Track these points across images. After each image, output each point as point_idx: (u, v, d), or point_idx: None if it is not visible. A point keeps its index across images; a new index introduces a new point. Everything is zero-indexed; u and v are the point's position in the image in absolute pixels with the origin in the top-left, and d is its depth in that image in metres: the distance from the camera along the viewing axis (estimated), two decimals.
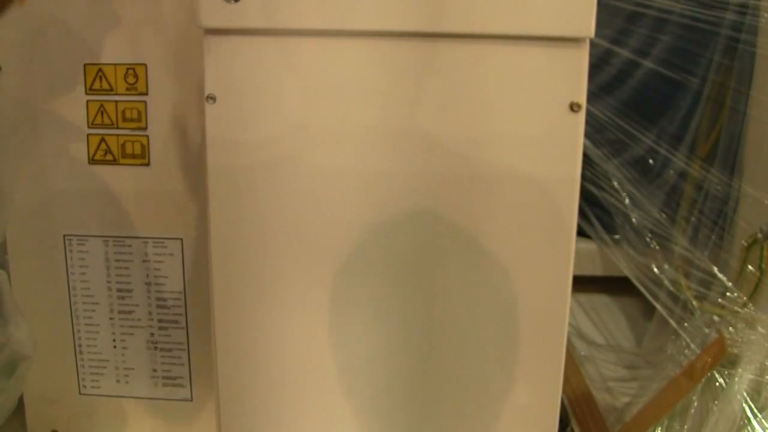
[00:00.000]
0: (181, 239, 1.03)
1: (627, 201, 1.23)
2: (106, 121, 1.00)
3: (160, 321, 1.06)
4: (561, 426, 0.88)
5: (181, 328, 1.06)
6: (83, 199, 1.03)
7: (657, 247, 1.21)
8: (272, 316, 0.85)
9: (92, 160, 1.02)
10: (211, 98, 0.79)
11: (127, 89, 0.99)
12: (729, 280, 1.08)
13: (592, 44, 0.77)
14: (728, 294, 1.06)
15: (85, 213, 1.04)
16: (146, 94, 0.99)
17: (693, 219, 1.19)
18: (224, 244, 0.83)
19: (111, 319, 1.07)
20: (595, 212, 1.30)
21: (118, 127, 1.01)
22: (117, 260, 1.05)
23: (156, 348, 1.07)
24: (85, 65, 0.99)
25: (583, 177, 0.86)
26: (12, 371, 0.72)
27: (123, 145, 1.01)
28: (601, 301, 1.49)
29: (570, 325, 1.00)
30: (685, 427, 1.04)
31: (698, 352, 1.07)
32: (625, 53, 1.24)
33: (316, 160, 0.80)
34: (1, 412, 0.73)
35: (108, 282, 1.06)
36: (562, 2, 0.74)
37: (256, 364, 0.86)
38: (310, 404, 0.87)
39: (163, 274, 1.05)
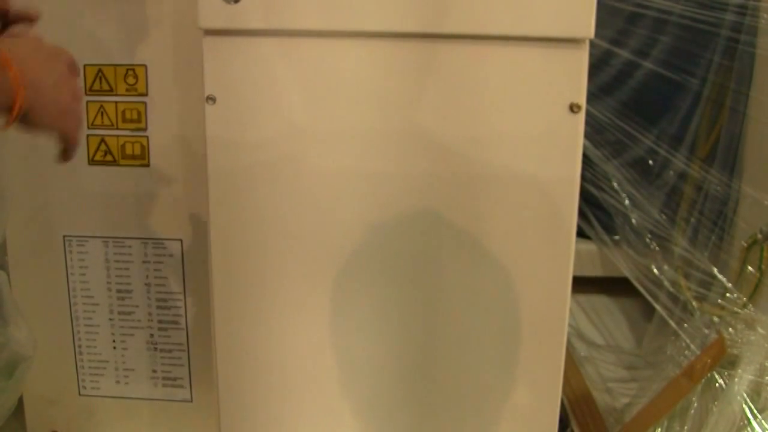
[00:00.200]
0: (181, 240, 1.03)
1: (627, 202, 1.23)
2: (106, 121, 1.00)
3: (159, 322, 1.06)
4: (561, 427, 0.87)
5: (180, 328, 1.06)
6: (83, 200, 1.03)
7: (657, 247, 1.21)
8: (272, 317, 0.85)
9: (92, 161, 1.02)
10: (211, 99, 0.79)
11: (127, 90, 0.99)
12: (729, 280, 1.08)
13: (592, 45, 0.77)
14: (728, 295, 1.06)
15: (85, 214, 1.04)
16: (146, 95, 0.99)
17: (693, 220, 1.18)
18: (224, 245, 0.83)
19: (111, 319, 1.07)
20: (595, 213, 1.30)
21: (117, 128, 1.01)
22: (117, 261, 1.05)
23: (156, 349, 1.07)
24: (84, 66, 0.99)
25: (583, 178, 0.86)
26: (12, 372, 0.72)
27: (123, 146, 1.01)
28: (600, 301, 1.49)
29: (570, 325, 1.00)
30: (685, 427, 1.04)
31: (698, 352, 1.07)
32: (624, 54, 1.24)
33: (316, 161, 0.80)
34: (1, 413, 0.73)
35: (108, 283, 1.06)
36: (562, 3, 0.74)
37: (256, 364, 0.86)
38: (309, 405, 0.87)
39: (162, 275, 1.05)
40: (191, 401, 1.09)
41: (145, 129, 1.00)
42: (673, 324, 1.14)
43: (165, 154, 1.01)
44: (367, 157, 0.80)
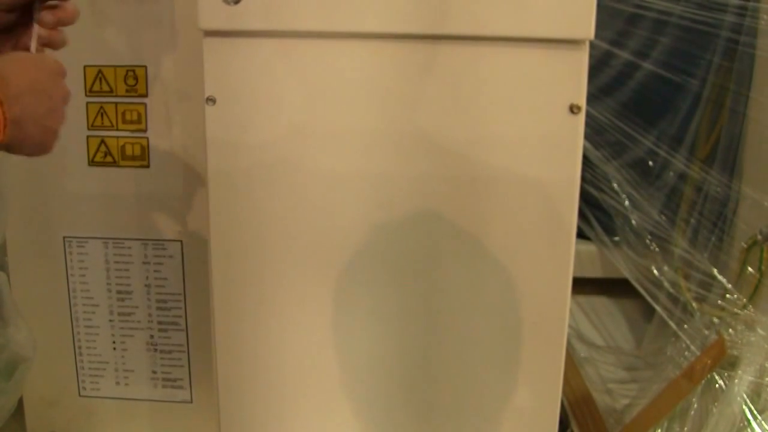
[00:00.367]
0: (181, 241, 1.03)
1: (627, 203, 1.23)
2: (106, 122, 1.00)
3: (159, 323, 1.06)
4: (561, 428, 0.87)
5: (180, 329, 1.06)
6: (83, 201, 1.03)
7: (657, 248, 1.21)
8: (272, 318, 0.85)
9: (92, 162, 1.02)
10: (211, 100, 0.79)
11: (127, 91, 0.99)
12: (729, 281, 1.08)
13: (592, 46, 0.77)
14: (728, 296, 1.06)
15: (85, 215, 1.04)
16: (146, 96, 0.99)
17: (693, 221, 1.19)
18: (224, 246, 0.83)
19: (111, 320, 1.07)
20: (595, 214, 1.30)
21: (118, 129, 1.01)
22: (117, 262, 1.05)
23: (156, 350, 1.07)
24: (84, 67, 0.99)
25: (583, 179, 0.86)
26: (12, 373, 0.72)
27: (123, 147, 1.01)
28: (600, 302, 1.49)
29: (570, 326, 1.00)
30: (685, 428, 1.04)
31: (698, 353, 1.06)
32: (624, 55, 1.24)
33: (316, 163, 0.80)
34: (1, 414, 0.73)
35: (108, 284, 1.06)
36: (562, 4, 0.74)
37: (256, 365, 0.86)
38: (310, 406, 0.87)
39: (162, 276, 1.05)
40: (191, 402, 1.09)
41: (145, 130, 1.00)
42: (673, 325, 1.14)
43: (165, 155, 1.01)
44: (368, 159, 0.80)
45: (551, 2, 0.74)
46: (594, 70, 0.94)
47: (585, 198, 1.21)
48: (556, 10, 0.74)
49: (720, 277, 1.10)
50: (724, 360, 1.01)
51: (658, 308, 1.18)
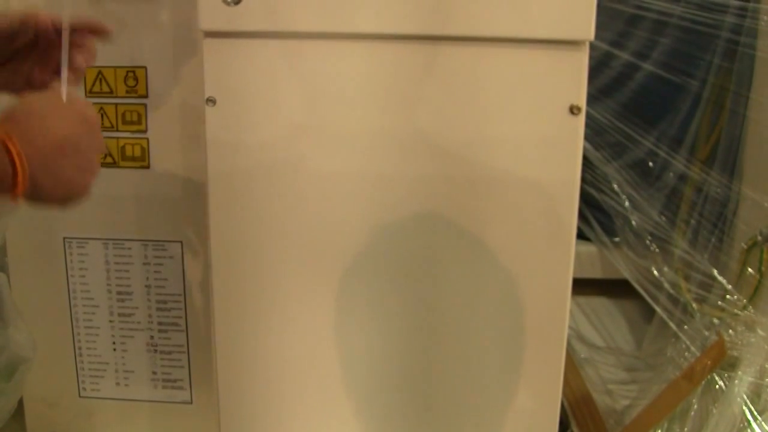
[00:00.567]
0: (181, 242, 1.03)
1: (627, 204, 1.23)
2: (106, 123, 1.00)
3: (159, 324, 1.06)
4: (561, 428, 0.87)
5: (180, 330, 1.06)
6: (83, 202, 1.03)
7: (657, 249, 1.21)
8: (272, 319, 0.85)
9: None
10: (211, 101, 0.79)
11: (127, 92, 0.99)
12: (729, 282, 1.08)
13: (592, 47, 0.77)
14: (728, 296, 1.06)
15: (85, 216, 1.04)
16: (146, 96, 0.99)
17: (693, 222, 1.18)
18: (224, 246, 0.83)
19: (111, 321, 1.07)
20: (595, 215, 1.30)
21: (118, 130, 1.01)
22: (117, 263, 1.05)
23: (156, 351, 1.07)
24: None
25: (583, 180, 0.86)
26: (12, 374, 0.72)
27: (123, 148, 1.01)
28: (600, 303, 1.48)
29: (570, 327, 1.00)
30: (685, 429, 1.04)
31: (698, 354, 1.06)
32: (624, 56, 1.24)
33: (316, 164, 0.80)
34: (1, 415, 0.73)
35: (108, 285, 1.06)
36: (562, 5, 0.74)
37: (256, 366, 0.86)
38: (310, 407, 0.87)
39: (162, 277, 1.05)
40: (191, 403, 1.09)
41: (145, 131, 1.00)
42: (673, 326, 1.14)
43: (165, 156, 1.01)
44: (368, 160, 0.80)
45: (551, 3, 0.74)
46: (594, 71, 0.94)
47: (585, 199, 1.21)
48: (556, 11, 0.74)
49: (720, 278, 1.10)
50: (724, 361, 1.01)
51: (658, 309, 1.18)
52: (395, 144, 0.80)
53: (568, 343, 1.12)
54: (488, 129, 0.79)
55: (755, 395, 0.99)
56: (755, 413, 0.98)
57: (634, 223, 1.23)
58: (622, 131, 1.21)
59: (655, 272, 1.19)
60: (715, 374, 1.02)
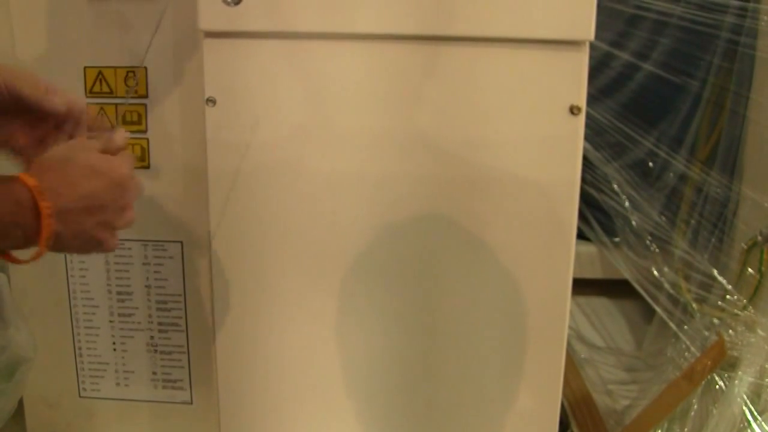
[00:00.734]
0: (181, 242, 1.03)
1: (627, 204, 1.23)
2: (106, 123, 1.00)
3: (160, 324, 1.06)
4: (561, 429, 0.87)
5: (181, 330, 1.06)
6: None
7: (657, 249, 1.21)
8: (273, 319, 0.85)
9: None
10: (211, 101, 0.79)
11: (127, 92, 0.99)
12: (729, 282, 1.08)
13: (592, 47, 0.77)
14: (728, 297, 1.06)
15: None
16: (146, 97, 0.99)
17: (693, 222, 1.18)
18: (224, 246, 0.83)
19: (111, 321, 1.07)
20: (595, 215, 1.30)
21: None
22: (117, 263, 1.05)
23: (156, 351, 1.07)
24: (85, 68, 0.99)
25: (583, 180, 0.86)
26: (12, 374, 0.72)
27: None
28: (601, 303, 1.48)
29: (570, 327, 1.00)
30: (685, 429, 1.04)
31: (698, 354, 1.06)
32: (625, 56, 1.24)
33: (316, 164, 0.80)
34: (1, 415, 0.73)
35: (108, 285, 1.06)
36: (563, 6, 0.74)
37: (256, 366, 0.86)
38: (310, 407, 0.87)
39: (163, 277, 1.05)
40: (191, 403, 1.09)
41: (145, 131, 1.00)
42: (673, 326, 1.14)
43: (165, 156, 1.01)
44: (368, 160, 0.80)
45: (551, 3, 0.74)
46: (594, 71, 0.94)
47: (585, 199, 1.21)
48: (556, 11, 0.74)
49: (720, 278, 1.10)
50: (724, 361, 1.01)
51: (658, 309, 1.18)
52: (395, 144, 0.80)
53: (568, 344, 1.12)
54: (488, 129, 0.79)
55: (755, 395, 0.99)
56: (755, 413, 0.98)
57: (634, 223, 1.23)
58: (622, 131, 1.21)
59: (655, 272, 1.19)
60: (715, 374, 1.02)
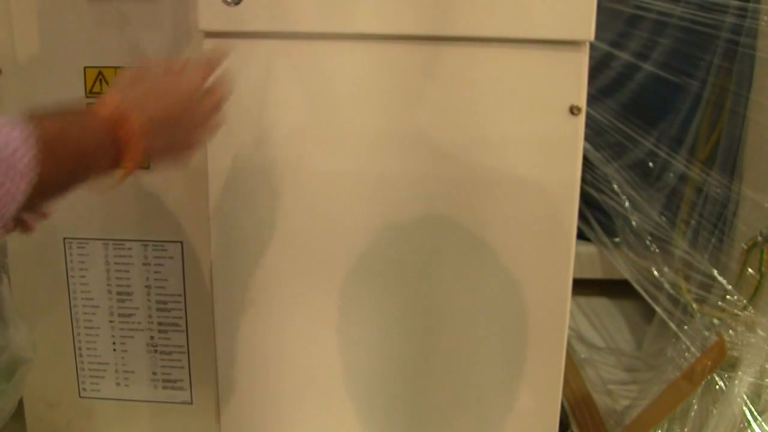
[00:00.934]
0: (182, 242, 1.03)
1: (627, 204, 1.23)
2: None
3: (160, 324, 1.06)
4: (561, 429, 0.87)
5: (181, 331, 1.06)
6: (83, 203, 1.03)
7: (657, 250, 1.21)
8: (273, 319, 0.85)
9: None
10: None
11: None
12: (729, 283, 1.08)
13: (592, 47, 0.77)
14: (728, 297, 1.06)
15: (85, 216, 1.03)
16: None
17: (693, 222, 1.18)
18: (225, 247, 0.83)
19: (111, 322, 1.07)
20: (595, 215, 1.30)
21: None
22: (117, 263, 1.05)
23: (156, 351, 1.07)
24: (85, 68, 0.99)
25: (583, 180, 0.86)
26: (12, 374, 0.72)
27: None
28: (601, 304, 1.48)
29: (570, 328, 1.00)
30: (685, 429, 1.04)
31: (698, 355, 1.06)
32: (625, 56, 1.24)
33: (317, 163, 0.80)
34: (1, 415, 0.73)
35: (108, 285, 1.06)
36: (563, 6, 0.74)
37: (256, 366, 0.86)
38: (310, 407, 0.87)
39: (163, 277, 1.05)
40: (191, 403, 1.09)
41: None
42: (673, 326, 1.14)
43: None
44: (368, 160, 0.80)
45: (551, 4, 0.74)
46: (594, 71, 0.94)
47: (585, 199, 1.21)
48: (556, 11, 0.74)
49: (720, 278, 1.10)
50: (724, 361, 1.01)
51: (658, 309, 1.18)
52: (396, 144, 0.80)
53: (568, 344, 1.11)
54: (489, 129, 0.79)
55: (755, 395, 0.99)
56: (755, 413, 0.98)
57: (634, 223, 1.23)
58: (622, 131, 1.21)
59: (655, 272, 1.19)
60: (715, 374, 1.02)
